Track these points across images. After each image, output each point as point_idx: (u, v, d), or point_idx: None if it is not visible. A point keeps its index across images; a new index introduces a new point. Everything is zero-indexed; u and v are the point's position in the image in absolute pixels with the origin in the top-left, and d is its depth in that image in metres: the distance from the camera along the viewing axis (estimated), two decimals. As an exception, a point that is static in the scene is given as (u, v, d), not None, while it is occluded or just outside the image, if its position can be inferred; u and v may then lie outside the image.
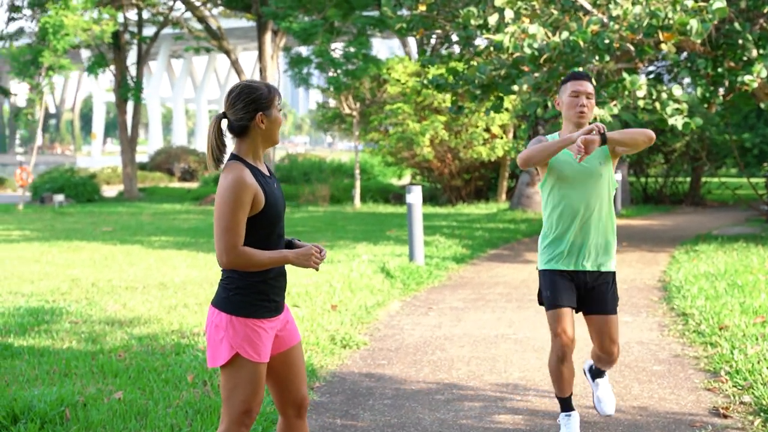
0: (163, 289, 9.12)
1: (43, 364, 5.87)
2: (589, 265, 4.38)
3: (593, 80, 3.95)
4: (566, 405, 4.47)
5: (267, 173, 3.36)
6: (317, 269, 3.33)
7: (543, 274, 4.44)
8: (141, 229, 17.00)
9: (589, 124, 4.29)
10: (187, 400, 4.97)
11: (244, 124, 3.26)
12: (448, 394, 5.37)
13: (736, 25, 11.23)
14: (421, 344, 6.77)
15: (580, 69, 5.17)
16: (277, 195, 3.33)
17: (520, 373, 5.88)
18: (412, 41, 30.95)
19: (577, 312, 4.45)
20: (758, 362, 5.64)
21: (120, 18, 28.29)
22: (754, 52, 11.26)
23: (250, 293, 3.25)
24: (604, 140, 4.16)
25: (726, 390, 5.25)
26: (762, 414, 4.73)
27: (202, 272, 10.46)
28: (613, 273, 4.47)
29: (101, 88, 73.87)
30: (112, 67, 29.30)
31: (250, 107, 3.24)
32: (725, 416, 4.77)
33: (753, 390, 5.11)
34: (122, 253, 12.63)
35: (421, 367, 6.06)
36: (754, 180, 17.79)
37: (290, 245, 3.43)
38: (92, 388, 5.26)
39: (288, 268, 3.52)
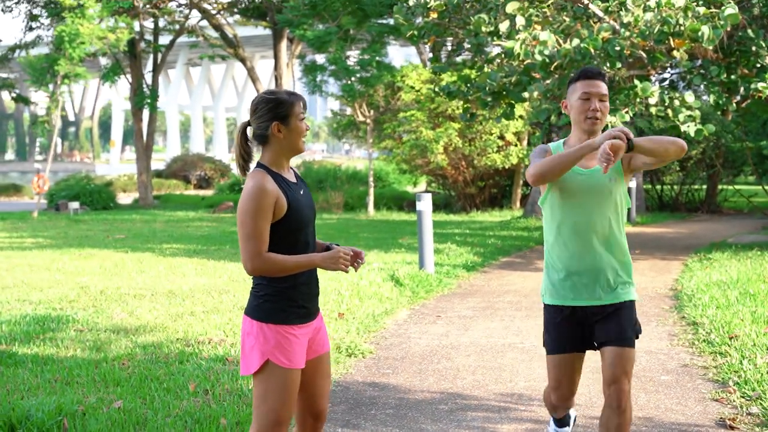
0: (171, 297, 9.11)
1: (46, 373, 5.86)
2: (595, 299, 3.78)
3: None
4: (560, 422, 4.29)
5: (293, 180, 3.39)
6: (347, 271, 3.32)
7: (545, 309, 3.92)
8: (153, 237, 17.03)
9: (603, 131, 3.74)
10: (186, 410, 4.94)
11: (263, 133, 3.32)
12: (451, 404, 5.32)
13: (750, 32, 11.15)
14: (428, 353, 6.71)
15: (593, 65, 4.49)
16: (302, 202, 3.35)
17: (526, 382, 5.81)
18: (427, 49, 30.95)
19: (591, 349, 3.90)
20: (767, 372, 5.55)
21: (136, 26, 28.42)
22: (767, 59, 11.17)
23: (279, 300, 3.27)
24: (630, 147, 3.52)
25: (734, 401, 5.17)
26: (769, 426, 4.65)
27: (211, 280, 10.45)
28: (631, 302, 3.83)
29: (120, 96, 74.43)
30: (129, 75, 29.47)
31: (267, 116, 3.29)
32: (732, 427, 4.69)
33: (761, 401, 5.03)
34: (133, 260, 12.65)
35: (426, 377, 6.00)
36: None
37: (328, 250, 3.44)
38: (93, 397, 5.24)
39: (320, 273, 3.59)
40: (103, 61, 31.68)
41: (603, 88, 3.73)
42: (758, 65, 11.27)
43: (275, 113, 3.29)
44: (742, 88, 11.60)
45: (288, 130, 3.31)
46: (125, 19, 26.71)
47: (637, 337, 3.81)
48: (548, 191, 3.84)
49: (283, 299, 3.27)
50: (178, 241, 16.07)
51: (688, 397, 5.34)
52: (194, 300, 8.92)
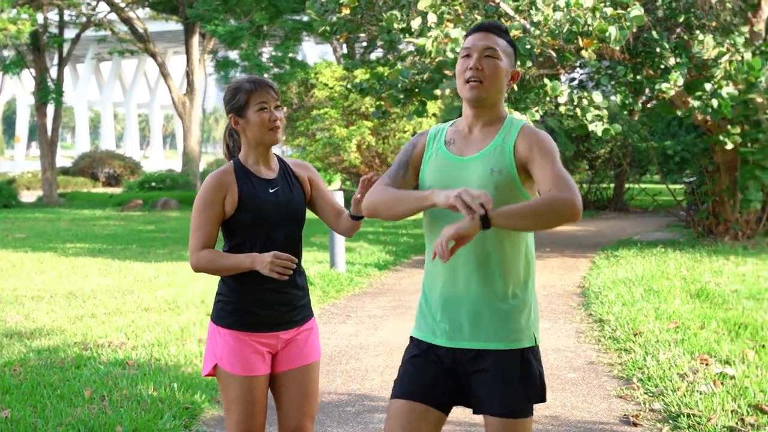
0: (71, 299, 8.77)
1: (-71, 381, 5.53)
2: (468, 340, 2.65)
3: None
4: None
5: (270, 176, 3.16)
6: (283, 278, 2.98)
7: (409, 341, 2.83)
8: (56, 236, 16.44)
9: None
10: (80, 418, 4.70)
11: (229, 127, 3.21)
12: (359, 406, 5.21)
13: (654, 33, 11.37)
14: (336, 354, 6.60)
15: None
16: (266, 200, 3.10)
17: (434, 382, 5.74)
18: (342, 46, 30.83)
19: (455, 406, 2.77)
20: (669, 368, 5.63)
21: (40, 18, 27.48)
22: (671, 61, 11.41)
23: (232, 303, 3.10)
24: (486, 224, 2.39)
25: (637, 397, 5.21)
26: (671, 421, 4.70)
27: (115, 280, 10.12)
28: (530, 349, 2.67)
29: (25, 90, 72.01)
30: (33, 68, 28.48)
31: (226, 109, 3.12)
32: (635, 424, 4.71)
33: (663, 397, 5.08)
34: (33, 260, 12.17)
35: (334, 378, 5.89)
36: (673, 186, 18.09)
37: None
38: (-21, 405, 4.95)
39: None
40: (6, 53, 30.54)
41: (492, 40, 2.66)
42: (662, 66, 11.50)
43: (230, 105, 3.10)
44: (647, 89, 11.84)
45: (246, 122, 3.10)
46: (27, 10, 25.78)
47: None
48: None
49: (237, 303, 3.09)
50: (82, 240, 15.56)
51: (594, 395, 5.36)
52: (96, 301, 8.61)
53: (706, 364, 5.69)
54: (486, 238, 2.61)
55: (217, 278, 3.21)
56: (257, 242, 3.10)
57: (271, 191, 3.13)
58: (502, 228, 2.49)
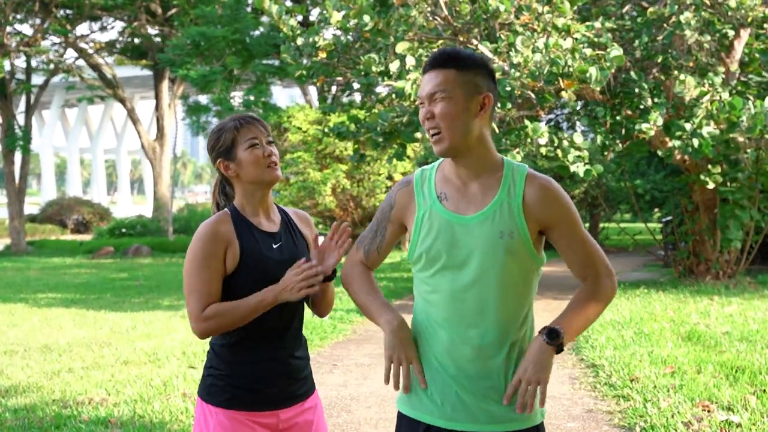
0: (47, 353, 8.47)
1: None
2: (468, 420, 2.37)
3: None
4: None
5: (272, 228, 2.75)
6: (316, 290, 2.60)
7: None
8: (26, 286, 16.05)
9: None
10: (64, 483, 4.45)
11: (221, 175, 2.80)
12: (354, 463, 5.00)
13: (632, 74, 11.41)
14: (326, 405, 6.37)
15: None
16: (270, 257, 2.68)
17: (431, 435, 5.55)
18: (312, 89, 30.83)
19: None
20: (672, 416, 5.48)
21: (6, 65, 27.20)
22: (650, 101, 11.44)
23: (225, 377, 2.67)
24: (560, 348, 2.36)
25: (643, 447, 5.05)
26: (683, 474, 4.53)
27: (91, 332, 9.82)
28: (536, 428, 2.42)
29: (-10, 137, 71.27)
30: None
31: (213, 156, 2.76)
32: (646, 477, 4.54)
33: (671, 447, 4.92)
34: (3, 312, 11.81)
35: (326, 432, 5.66)
36: (651, 225, 18.14)
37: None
38: (-45, 472, 4.67)
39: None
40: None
41: (440, 77, 2.31)
42: (641, 107, 11.53)
43: (217, 150, 2.73)
44: (624, 129, 11.86)
45: (237, 164, 2.70)
46: (-5, 57, 25.55)
47: None
48: (413, 246, 2.52)
49: (231, 378, 2.66)
50: (54, 290, 15.19)
51: (598, 445, 5.19)
52: (72, 355, 8.31)
53: (709, 411, 5.55)
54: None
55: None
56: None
57: (275, 246, 2.73)
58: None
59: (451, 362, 2.37)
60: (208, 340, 2.77)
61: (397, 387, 2.41)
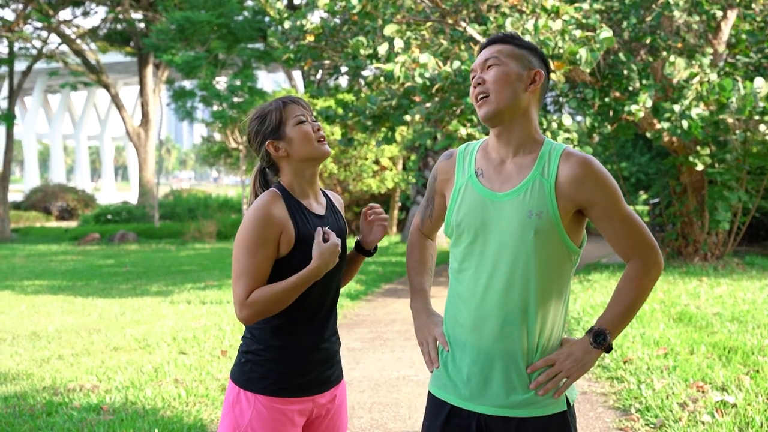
0: (35, 340, 8.39)
1: None
2: (491, 403, 2.33)
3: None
4: None
5: (320, 210, 2.69)
6: (339, 251, 2.57)
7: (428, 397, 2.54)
8: (12, 273, 15.93)
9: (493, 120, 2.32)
10: (58, 471, 4.40)
11: (267, 160, 2.70)
12: (350, 447, 4.98)
13: (621, 55, 11.38)
14: (319, 390, 6.34)
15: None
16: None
17: (426, 418, 5.52)
18: (297, 74, 30.67)
19: None
20: (667, 397, 5.48)
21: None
22: (638, 83, 11.42)
23: (266, 362, 2.59)
24: (609, 348, 2.35)
25: (638, 429, 5.04)
26: (680, 454, 4.53)
27: (80, 319, 9.74)
28: (560, 416, 2.33)
29: (-28, 124, 70.64)
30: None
31: (258, 139, 2.67)
32: (642, 458, 4.54)
33: (665, 428, 4.91)
34: (-9, 300, 11.72)
35: (320, 417, 5.63)
36: (638, 208, 18.17)
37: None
38: (-54, 461, 4.62)
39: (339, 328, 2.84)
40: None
41: (493, 49, 2.34)
42: (630, 89, 11.51)
43: (263, 132, 2.65)
44: (612, 111, 11.84)
45: (287, 142, 2.63)
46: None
47: None
48: (448, 220, 2.50)
49: (272, 362, 2.58)
50: (40, 277, 15.08)
51: (593, 428, 5.18)
52: (61, 342, 8.24)
53: (703, 392, 5.55)
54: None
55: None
56: (310, 292, 2.61)
57: (330, 228, 2.69)
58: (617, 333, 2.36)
59: (475, 341, 2.35)
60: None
61: (429, 366, 2.49)
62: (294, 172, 2.67)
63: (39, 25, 29.58)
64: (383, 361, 7.34)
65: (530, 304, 2.29)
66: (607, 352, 2.33)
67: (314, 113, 12.72)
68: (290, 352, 2.60)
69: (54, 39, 31.50)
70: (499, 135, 2.35)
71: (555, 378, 2.30)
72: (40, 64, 32.56)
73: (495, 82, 2.28)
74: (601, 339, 2.32)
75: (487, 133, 10.43)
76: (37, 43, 29.52)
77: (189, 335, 8.20)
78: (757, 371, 5.95)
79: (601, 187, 2.27)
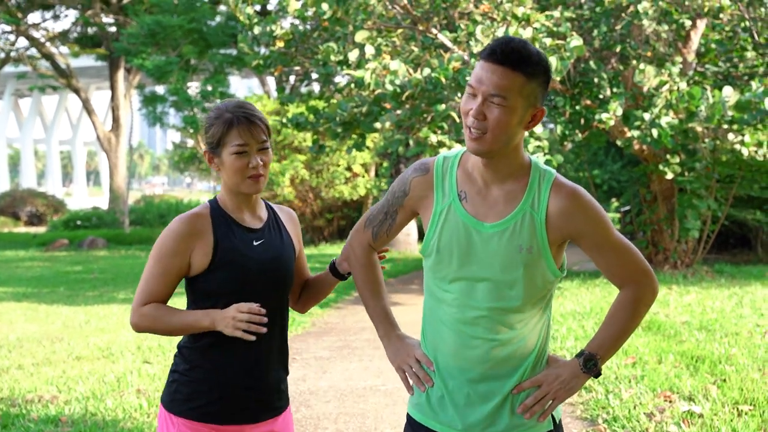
0: (-4, 349, 8.23)
1: None
2: (479, 429, 2.28)
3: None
4: None
5: (255, 225, 2.53)
6: (252, 338, 2.36)
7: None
8: (-22, 280, 15.67)
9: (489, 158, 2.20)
10: (10, 486, 4.28)
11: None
12: (314, 459, 4.89)
13: (591, 63, 11.40)
14: (284, 401, 6.25)
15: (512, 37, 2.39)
16: (249, 256, 2.46)
17: (392, 429, 5.46)
18: (270, 80, 30.55)
19: None
20: (634, 407, 5.44)
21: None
22: (609, 91, 11.44)
23: (192, 383, 2.44)
24: (598, 373, 2.32)
25: (605, 439, 5.01)
26: (646, 466, 4.49)
27: (43, 327, 9.57)
28: None
29: (-59, 128, 69.71)
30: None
31: (204, 140, 2.52)
32: (609, 470, 4.49)
33: (633, 438, 4.88)
34: (-47, 307, 11.49)
35: (284, 428, 5.53)
36: (609, 215, 18.24)
37: (334, 270, 2.64)
38: None
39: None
40: None
41: (506, 79, 2.09)
42: (600, 97, 11.52)
43: (205, 138, 2.50)
44: (583, 119, 11.86)
45: (220, 162, 2.48)
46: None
47: None
48: (430, 232, 2.37)
49: (198, 383, 2.43)
50: (4, 284, 14.83)
51: (560, 438, 5.13)
52: (22, 351, 8.08)
53: (671, 402, 5.52)
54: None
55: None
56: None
57: (255, 244, 2.51)
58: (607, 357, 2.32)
59: (456, 365, 2.27)
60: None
61: (411, 390, 2.38)
62: (226, 188, 2.54)
63: (8, 28, 29.25)
64: (350, 370, 7.26)
65: (516, 328, 2.24)
66: (596, 377, 2.30)
67: (285, 119, 12.24)
68: (218, 375, 2.45)
69: (23, 42, 31.19)
70: (487, 165, 2.23)
71: (542, 400, 2.25)
72: (9, 68, 32.13)
73: (497, 127, 2.13)
74: (591, 364, 2.28)
75: (458, 141, 10.40)
76: (5, 46, 29.18)
77: (154, 344, 8.07)
78: (724, 380, 5.94)
79: (590, 220, 2.22)
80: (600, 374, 2.29)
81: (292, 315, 9.87)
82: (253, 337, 2.36)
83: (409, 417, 2.40)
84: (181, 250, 2.43)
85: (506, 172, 2.23)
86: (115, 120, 31.81)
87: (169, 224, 2.47)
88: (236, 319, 2.34)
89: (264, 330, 2.38)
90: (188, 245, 2.43)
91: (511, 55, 2.09)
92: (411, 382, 2.36)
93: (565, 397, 2.28)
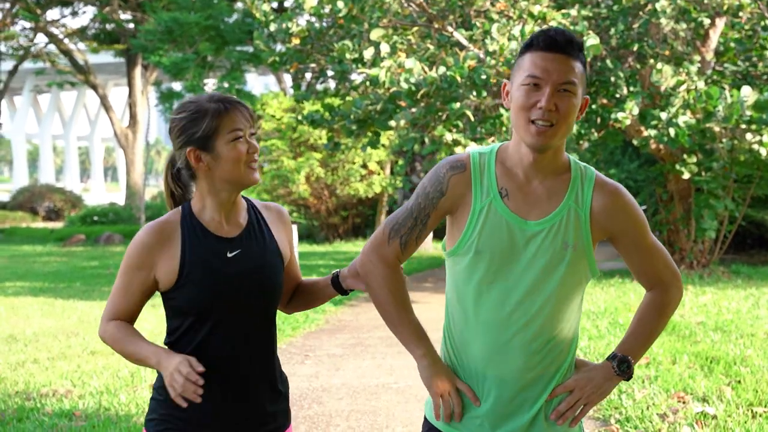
0: (12, 343, 8.28)
1: None
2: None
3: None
4: None
5: (232, 233, 2.30)
6: (183, 404, 2.11)
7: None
8: (-5, 274, 15.80)
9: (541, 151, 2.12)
10: (23, 479, 4.31)
11: (184, 165, 2.27)
12: (325, 456, 4.90)
13: (608, 62, 11.35)
14: (297, 397, 6.26)
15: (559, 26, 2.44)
16: (221, 271, 2.23)
17: (404, 427, 5.46)
18: (287, 77, 30.59)
19: None
20: (647, 408, 5.42)
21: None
22: (625, 90, 11.39)
23: (170, 407, 2.21)
24: (630, 376, 2.27)
25: (618, 440, 4.99)
26: (658, 467, 4.47)
27: (59, 321, 9.63)
28: None
29: (-39, 123, 70.31)
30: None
31: (181, 140, 2.23)
32: (620, 471, 4.47)
33: (646, 439, 4.86)
34: (-30, 301, 11.59)
35: (297, 425, 5.55)
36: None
37: (335, 282, 2.43)
38: None
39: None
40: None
41: (570, 66, 2.05)
42: (617, 96, 11.47)
43: (189, 135, 2.21)
44: (599, 119, 11.80)
45: (214, 158, 2.22)
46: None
47: None
48: (464, 237, 2.23)
49: (175, 409, 2.19)
50: (22, 278, 14.94)
51: (572, 438, 5.11)
52: (38, 345, 8.14)
53: (684, 403, 5.49)
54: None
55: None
56: (211, 329, 2.24)
57: (230, 255, 2.26)
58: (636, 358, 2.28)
59: (496, 374, 2.19)
60: None
61: (439, 417, 2.24)
62: (209, 190, 2.29)
63: (27, 24, 29.45)
64: (363, 368, 7.26)
65: (554, 330, 2.17)
66: (627, 380, 2.26)
67: (301, 117, 12.24)
68: (202, 400, 2.14)
69: (42, 38, 31.36)
70: (537, 160, 2.14)
71: (574, 405, 2.20)
72: (28, 64, 32.35)
73: (568, 116, 2.06)
74: (624, 366, 2.24)
75: (473, 139, 10.38)
76: (25, 43, 29.38)
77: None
78: (739, 382, 5.90)
79: (631, 219, 2.21)
80: (632, 377, 2.25)
81: (305, 312, 9.90)
82: (185, 404, 2.11)
83: (427, 422, 2.31)
84: (147, 264, 2.23)
85: (552, 167, 2.17)
86: (133, 116, 31.96)
87: (137, 234, 2.27)
88: (172, 377, 2.09)
89: (198, 400, 2.10)
90: (153, 258, 2.23)
91: (570, 44, 2.07)
92: (442, 411, 2.24)
93: (597, 401, 2.23)
